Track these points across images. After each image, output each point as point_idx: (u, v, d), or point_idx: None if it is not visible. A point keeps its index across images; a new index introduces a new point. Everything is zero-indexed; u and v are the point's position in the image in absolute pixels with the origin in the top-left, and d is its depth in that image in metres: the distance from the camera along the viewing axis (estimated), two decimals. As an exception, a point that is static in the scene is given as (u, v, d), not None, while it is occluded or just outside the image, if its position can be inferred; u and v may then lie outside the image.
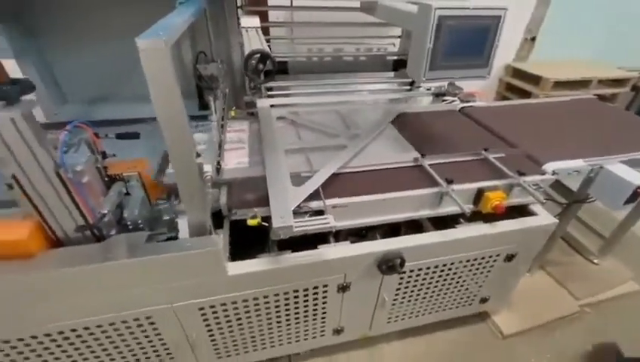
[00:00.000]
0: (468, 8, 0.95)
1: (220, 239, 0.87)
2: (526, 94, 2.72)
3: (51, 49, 1.48)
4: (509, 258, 1.24)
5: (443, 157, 1.24)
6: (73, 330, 0.92)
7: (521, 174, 1.13)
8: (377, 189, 1.06)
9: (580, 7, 2.78)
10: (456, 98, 1.90)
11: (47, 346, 0.93)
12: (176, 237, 0.91)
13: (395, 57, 2.01)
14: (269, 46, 1.12)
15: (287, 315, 1.13)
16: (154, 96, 0.65)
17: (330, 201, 0.97)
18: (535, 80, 2.63)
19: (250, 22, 1.30)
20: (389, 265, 1.03)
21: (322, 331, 1.25)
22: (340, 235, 1.14)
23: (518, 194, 1.18)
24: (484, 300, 1.41)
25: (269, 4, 2.10)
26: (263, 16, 1.81)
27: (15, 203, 0.90)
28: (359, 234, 1.22)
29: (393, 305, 1.26)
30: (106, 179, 0.89)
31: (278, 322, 1.14)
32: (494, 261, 1.24)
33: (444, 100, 1.80)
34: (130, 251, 0.83)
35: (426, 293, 1.27)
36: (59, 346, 0.94)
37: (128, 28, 1.48)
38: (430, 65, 1.00)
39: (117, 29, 1.49)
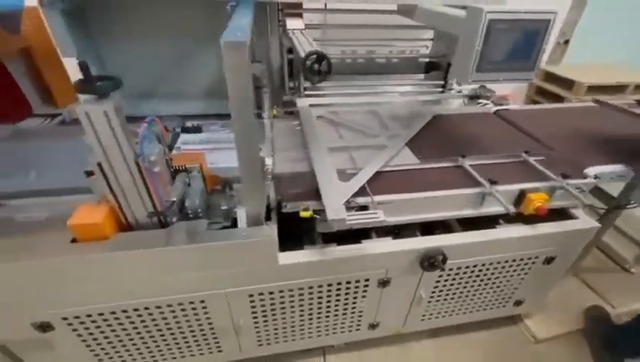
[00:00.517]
0: (518, 12, 0.97)
1: (275, 229, 0.92)
2: (558, 98, 2.68)
3: (106, 49, 1.57)
4: (549, 261, 1.24)
5: (483, 158, 1.25)
6: (135, 310, 0.99)
7: (565, 177, 1.13)
8: (419, 188, 1.09)
9: (614, 9, 2.71)
10: (489, 101, 1.90)
11: (110, 323, 1.00)
12: (230, 226, 0.97)
13: (428, 60, 2.03)
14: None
15: (328, 307, 1.17)
16: (231, 90, 0.70)
17: (377, 198, 1.00)
18: (568, 84, 2.58)
19: (295, 24, 1.36)
20: (431, 261, 1.06)
21: (358, 325, 1.29)
22: (376, 232, 1.17)
23: (558, 197, 1.18)
24: (518, 303, 1.41)
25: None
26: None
27: (89, 190, 0.98)
28: (392, 232, 1.25)
29: (429, 302, 1.28)
30: (171, 170, 0.95)
31: (318, 313, 1.18)
32: (533, 263, 1.24)
33: (478, 103, 1.81)
34: (193, 238, 0.89)
35: (462, 292, 1.28)
36: (120, 324, 1.01)
37: (172, 30, 1.58)
38: (477, 67, 1.02)
39: (162, 31, 1.58)
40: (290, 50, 1.61)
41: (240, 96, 0.71)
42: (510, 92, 2.74)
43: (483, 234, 1.10)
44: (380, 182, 1.10)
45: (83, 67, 0.68)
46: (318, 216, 0.94)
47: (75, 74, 1.60)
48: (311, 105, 1.54)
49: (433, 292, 1.24)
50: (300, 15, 1.58)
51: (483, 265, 1.18)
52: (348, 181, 1.05)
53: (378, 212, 0.91)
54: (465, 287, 1.26)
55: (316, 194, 1.03)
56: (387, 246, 1.05)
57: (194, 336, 1.13)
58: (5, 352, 1.11)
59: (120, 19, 1.51)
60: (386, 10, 1.82)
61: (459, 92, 1.97)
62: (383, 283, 1.13)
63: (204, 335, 1.14)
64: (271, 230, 0.92)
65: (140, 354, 1.13)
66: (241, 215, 0.92)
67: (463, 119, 1.60)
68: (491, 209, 1.14)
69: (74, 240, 0.87)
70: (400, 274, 1.12)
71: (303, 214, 0.93)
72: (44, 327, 0.96)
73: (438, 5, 1.29)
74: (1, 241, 0.86)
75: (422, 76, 2.08)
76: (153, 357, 1.16)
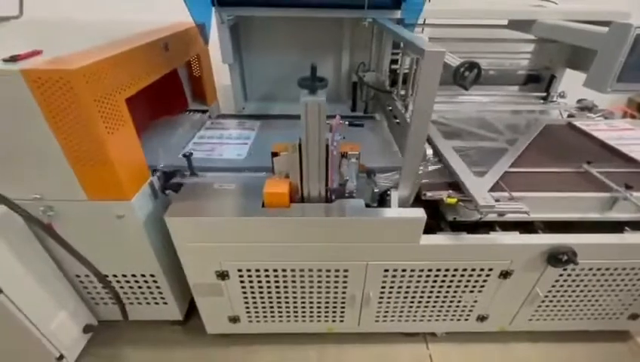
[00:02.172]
0: (667, 27, 1.03)
1: (423, 212, 1.07)
2: (664, 116, 2.52)
3: (246, 58, 1.88)
4: (678, 273, 1.23)
5: (608, 166, 1.29)
6: (292, 270, 1.19)
7: None
8: (544, 188, 1.17)
9: None
10: (595, 115, 1.89)
11: (269, 278, 1.22)
12: (377, 207, 1.13)
13: (526, 72, 2.08)
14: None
15: (447, 292, 1.28)
16: (422, 91, 0.87)
17: (515, 194, 1.10)
18: (678, 101, 2.43)
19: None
20: (559, 257, 1.12)
21: (468, 315, 1.37)
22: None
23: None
24: (634, 316, 1.39)
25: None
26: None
27: (259, 168, 1.21)
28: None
29: (542, 302, 1.33)
30: (334, 156, 1.15)
31: (436, 297, 1.29)
32: (660, 274, 1.23)
33: (588, 116, 1.82)
34: (356, 212, 1.06)
35: (577, 296, 1.31)
36: (276, 280, 1.22)
37: (298, 44, 1.82)
38: (618, 78, 1.09)
39: (290, 45, 1.84)
40: (394, 61, 1.78)
41: (426, 97, 0.88)
42: (608, 106, 2.63)
43: (616, 237, 1.14)
44: (508, 180, 1.20)
45: (313, 68, 0.90)
46: (462, 203, 1.07)
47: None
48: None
49: (549, 291, 1.29)
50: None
51: (607, 269, 1.21)
52: (482, 177, 1.16)
53: (520, 203, 1.02)
54: (582, 291, 1.29)
55: (448, 186, 1.16)
56: (516, 238, 1.14)
57: (326, 302, 1.31)
58: (177, 297, 1.38)
59: (259, 34, 1.81)
60: (491, 25, 1.91)
61: (557, 104, 1.99)
62: (505, 274, 1.21)
63: (335, 302, 1.31)
64: (421, 211, 1.06)
65: (279, 308, 1.33)
66: (394, 197, 1.08)
67: (571, 129, 1.64)
68: (618, 215, 1.18)
69: (262, 206, 1.09)
70: (522, 267, 1.19)
71: (449, 201, 1.07)
72: (224, 275, 1.19)
73: (563, 21, 1.37)
74: (207, 202, 1.11)
75: (516, 88, 2.14)
76: (288, 312, 1.35)
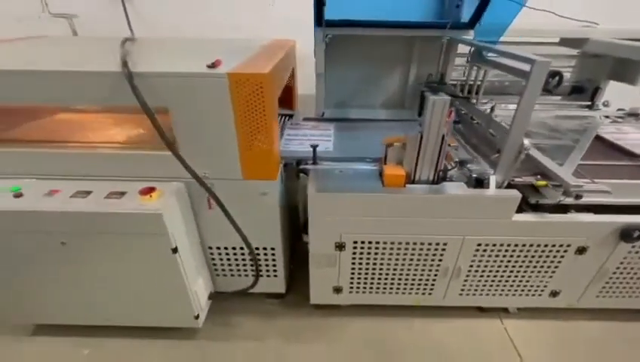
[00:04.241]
0: None
1: (517, 192, 1.29)
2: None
3: (329, 69, 2.16)
4: None
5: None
6: (399, 243, 1.41)
7: None
8: (616, 177, 1.38)
9: None
10: None
11: (377, 251, 1.44)
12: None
13: (570, 84, 2.32)
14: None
15: (527, 266, 1.48)
16: (528, 94, 1.12)
17: (597, 180, 1.32)
18: None
19: (489, 53, 1.78)
20: (632, 233, 1.32)
21: (542, 290, 1.57)
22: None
23: None
24: (693, 295, 1.56)
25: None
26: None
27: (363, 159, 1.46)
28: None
29: (610, 278, 1.51)
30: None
31: (517, 271, 1.49)
32: None
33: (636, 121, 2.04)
34: (462, 191, 1.30)
35: (642, 274, 1.50)
36: (383, 252, 1.44)
37: (372, 59, 2.09)
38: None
39: (365, 59, 2.11)
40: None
41: (532, 99, 1.12)
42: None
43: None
44: (581, 170, 1.42)
45: (442, 75, 1.15)
46: (550, 186, 1.29)
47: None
48: (487, 115, 1.93)
49: (617, 268, 1.48)
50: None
51: (670, 247, 1.41)
52: (561, 166, 1.39)
53: (603, 185, 1.24)
54: (647, 268, 1.48)
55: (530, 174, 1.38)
56: (593, 217, 1.35)
57: (421, 275, 1.52)
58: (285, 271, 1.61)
59: (341, 49, 2.09)
60: (550, 42, 2.16)
61: (598, 109, 2.23)
62: (581, 250, 1.41)
63: (429, 275, 1.52)
64: (515, 192, 1.29)
65: (379, 280, 1.54)
66: (492, 181, 1.31)
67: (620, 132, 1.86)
68: (681, 199, 1.38)
69: (382, 186, 1.33)
70: (597, 244, 1.39)
71: (539, 184, 1.29)
72: (341, 247, 1.42)
73: (622, 40, 1.63)
74: (336, 182, 1.35)
75: (558, 97, 2.38)
76: (385, 284, 1.56)
